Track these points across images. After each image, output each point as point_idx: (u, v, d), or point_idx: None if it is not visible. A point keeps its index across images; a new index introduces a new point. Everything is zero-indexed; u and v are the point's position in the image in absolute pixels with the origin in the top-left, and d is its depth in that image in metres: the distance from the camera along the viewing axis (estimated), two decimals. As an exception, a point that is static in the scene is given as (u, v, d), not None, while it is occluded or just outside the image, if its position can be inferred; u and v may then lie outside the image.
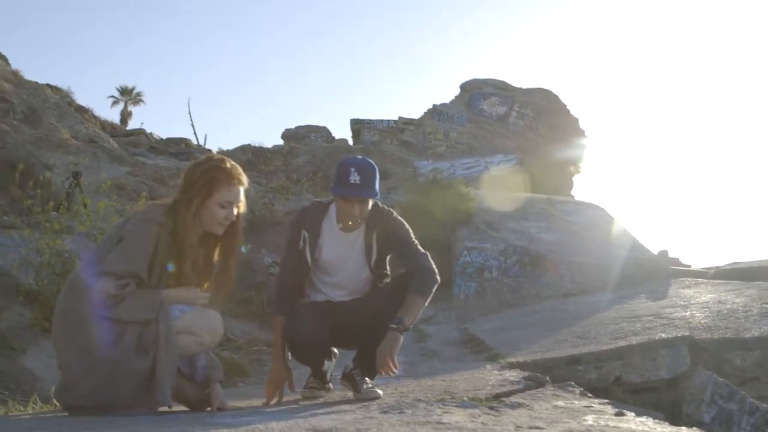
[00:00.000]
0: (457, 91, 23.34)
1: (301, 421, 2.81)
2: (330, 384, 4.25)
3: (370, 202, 3.98)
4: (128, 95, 42.22)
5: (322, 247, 4.05)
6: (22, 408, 3.88)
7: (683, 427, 3.17)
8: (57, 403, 3.62)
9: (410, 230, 4.08)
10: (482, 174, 19.10)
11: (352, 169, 3.88)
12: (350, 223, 3.99)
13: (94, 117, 21.64)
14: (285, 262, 4.15)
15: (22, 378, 5.11)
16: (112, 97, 42.33)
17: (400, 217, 4.13)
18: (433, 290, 3.96)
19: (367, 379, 4.03)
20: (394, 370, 3.72)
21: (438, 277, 3.99)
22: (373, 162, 4.01)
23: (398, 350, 3.75)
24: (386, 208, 4.14)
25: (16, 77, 18.79)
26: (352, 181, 3.86)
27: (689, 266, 13.65)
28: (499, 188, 17.74)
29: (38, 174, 10.81)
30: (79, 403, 3.34)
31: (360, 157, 4.07)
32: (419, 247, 4.07)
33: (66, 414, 3.43)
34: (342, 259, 4.06)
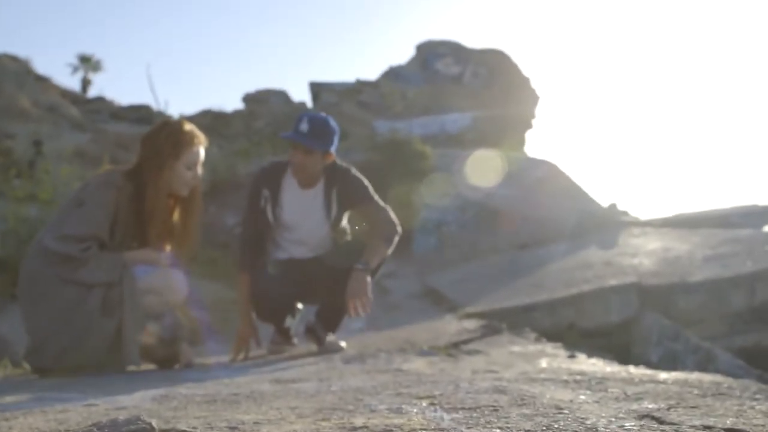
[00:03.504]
0: (412, 53, 23.20)
1: (266, 375, 2.83)
2: (294, 339, 4.25)
3: (320, 157, 3.91)
4: (87, 63, 41.31)
5: (283, 204, 4.01)
6: (-8, 371, 3.84)
7: (631, 366, 3.24)
8: (26, 366, 3.60)
9: (369, 186, 4.06)
10: (438, 132, 19.09)
11: (305, 119, 3.87)
12: (300, 174, 3.94)
13: (54, 85, 21.18)
14: (247, 220, 4.11)
15: (-8, 343, 5.04)
16: (72, 65, 41.43)
17: (358, 173, 4.10)
18: (395, 239, 3.94)
19: (330, 333, 4.05)
20: (367, 308, 3.72)
21: (399, 228, 3.99)
22: (330, 119, 3.96)
23: (368, 290, 3.72)
24: (344, 165, 4.11)
25: (-27, 47, 18.31)
26: (300, 129, 3.83)
27: (637, 218, 13.83)
28: (455, 146, 17.76)
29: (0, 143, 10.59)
30: (47, 365, 3.34)
31: (321, 113, 4.04)
32: (380, 202, 4.05)
33: (36, 376, 3.41)
34: (302, 215, 4.02)
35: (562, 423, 1.46)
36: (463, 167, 13.94)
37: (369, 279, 3.75)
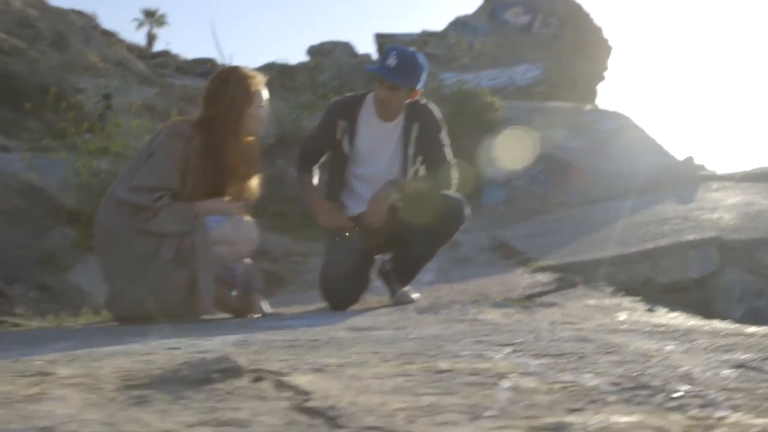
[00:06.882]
0: (480, 2, 22.84)
1: (341, 323, 2.86)
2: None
3: (405, 94, 3.82)
4: (152, 17, 41.91)
5: (359, 135, 3.92)
6: (73, 320, 3.98)
7: (715, 320, 3.18)
8: (106, 314, 3.71)
9: (446, 132, 3.99)
10: (507, 84, 18.87)
11: (393, 53, 3.78)
12: (383, 110, 3.86)
13: (120, 40, 21.53)
14: (310, 137, 4.14)
15: (71, 293, 5.22)
16: (137, 20, 42.12)
17: (440, 115, 4.01)
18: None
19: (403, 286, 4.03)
20: (379, 219, 3.75)
21: (453, 188, 3.94)
22: (419, 55, 3.86)
23: (387, 203, 3.76)
24: (431, 105, 4.03)
25: (40, 3, 18.66)
26: (387, 64, 3.75)
27: (714, 172, 13.47)
28: (525, 98, 17.53)
29: (70, 97, 10.83)
30: (126, 313, 3.44)
31: (411, 48, 3.96)
32: (449, 154, 3.99)
33: (116, 323, 3.52)
34: (378, 147, 3.94)
35: (654, 370, 1.44)
36: (532, 120, 13.75)
37: (392, 194, 3.78)
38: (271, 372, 1.44)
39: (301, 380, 1.37)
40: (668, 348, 1.86)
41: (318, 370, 1.52)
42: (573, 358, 1.64)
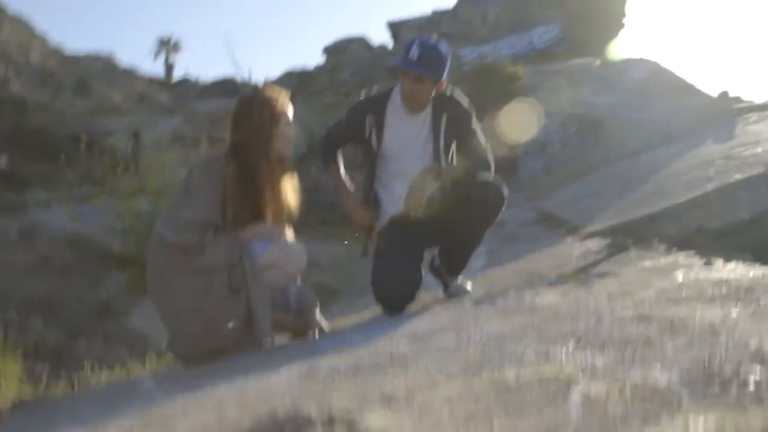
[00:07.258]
0: (485, -28, 22.61)
1: (400, 330, 2.87)
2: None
3: (431, 85, 3.79)
4: (167, 45, 42.35)
5: (387, 130, 3.91)
6: (140, 367, 4.04)
7: (775, 266, 3.11)
8: (170, 356, 3.76)
9: (475, 117, 3.95)
10: (527, 50, 18.66)
11: (415, 45, 3.76)
12: (410, 103, 3.84)
13: (140, 76, 21.82)
14: (336, 129, 4.14)
15: (134, 339, 5.31)
16: (153, 51, 42.67)
17: (466, 101, 3.96)
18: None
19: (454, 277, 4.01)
20: (418, 207, 3.74)
21: (492, 172, 3.91)
22: (442, 44, 3.82)
23: (426, 191, 3.75)
24: (457, 93, 3.98)
25: (57, 54, 18.95)
26: (410, 56, 3.73)
27: (752, 102, 13.16)
28: (547, 60, 17.33)
29: (101, 142, 11.02)
30: (188, 352, 3.47)
31: (434, 38, 3.91)
32: (482, 138, 3.95)
33: (180, 365, 3.55)
34: (408, 142, 3.92)
35: (723, 351, 1.41)
36: (557, 81, 13.61)
37: (431, 180, 3.77)
38: (341, 411, 1.44)
39: (372, 420, 1.37)
40: (733, 315, 1.83)
41: (387, 401, 1.52)
42: (638, 345, 1.62)
